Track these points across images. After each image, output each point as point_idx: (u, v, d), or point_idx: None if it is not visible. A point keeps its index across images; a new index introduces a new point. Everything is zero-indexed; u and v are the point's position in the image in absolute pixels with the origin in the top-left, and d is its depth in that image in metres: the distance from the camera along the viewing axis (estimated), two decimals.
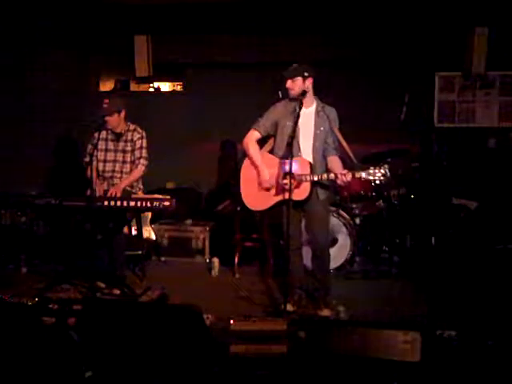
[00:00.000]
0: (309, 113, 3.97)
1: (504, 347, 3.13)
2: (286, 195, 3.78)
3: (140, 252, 4.99)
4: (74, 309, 3.52)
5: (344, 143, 4.06)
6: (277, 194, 3.98)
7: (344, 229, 5.01)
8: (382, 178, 3.68)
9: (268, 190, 4.01)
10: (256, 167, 4.06)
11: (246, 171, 4.14)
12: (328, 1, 5.65)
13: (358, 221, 5.39)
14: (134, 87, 7.29)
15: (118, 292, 4.41)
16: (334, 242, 4.87)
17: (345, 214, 5.11)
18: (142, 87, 7.25)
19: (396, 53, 6.14)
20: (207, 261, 5.56)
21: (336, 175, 3.78)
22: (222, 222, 5.97)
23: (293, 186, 3.74)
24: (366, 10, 5.72)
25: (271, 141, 4.13)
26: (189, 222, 5.83)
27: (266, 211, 4.15)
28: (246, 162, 4.14)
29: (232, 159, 6.77)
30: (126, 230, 4.64)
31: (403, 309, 4.10)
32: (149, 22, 6.18)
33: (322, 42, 6.23)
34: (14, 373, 2.83)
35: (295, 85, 3.91)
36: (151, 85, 7.30)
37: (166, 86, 7.64)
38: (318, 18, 5.91)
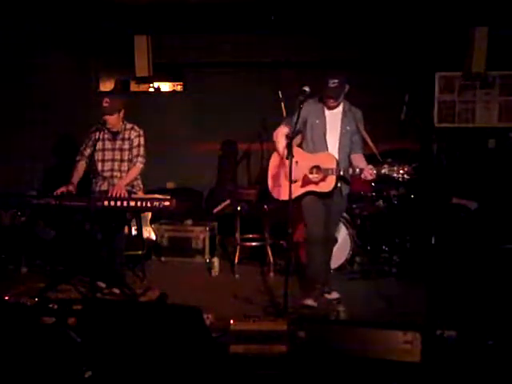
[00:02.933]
0: (336, 113, 4.16)
1: (504, 347, 3.13)
2: (311, 187, 4.10)
3: (140, 252, 4.99)
4: (74, 309, 3.52)
5: (370, 142, 4.22)
6: (303, 185, 4.16)
7: (344, 229, 5.02)
8: (405, 176, 3.83)
9: (295, 181, 4.12)
10: (282, 158, 4.22)
11: (273, 164, 4.36)
12: (328, 1, 5.65)
13: (358, 221, 5.40)
14: (133, 87, 7.29)
15: (117, 292, 4.41)
16: (336, 240, 4.87)
17: (345, 214, 5.11)
18: (142, 87, 7.25)
19: (396, 53, 6.14)
20: (207, 261, 5.56)
21: (362, 170, 3.96)
22: (222, 222, 5.98)
23: (319, 179, 4.05)
24: (367, 10, 5.71)
25: (298, 137, 4.29)
26: (189, 222, 5.83)
27: (292, 201, 4.23)
28: (274, 155, 4.36)
29: (232, 159, 6.78)
30: (126, 230, 4.65)
31: (403, 309, 4.10)
32: (149, 22, 6.18)
33: (322, 42, 6.23)
34: (13, 373, 2.83)
35: (340, 101, 4.10)
36: (151, 85, 7.30)
37: (166, 86, 7.65)
38: (318, 18, 5.91)
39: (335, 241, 4.83)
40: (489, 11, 5.65)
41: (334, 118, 4.14)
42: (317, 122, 4.14)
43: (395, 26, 5.96)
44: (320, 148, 4.13)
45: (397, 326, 3.00)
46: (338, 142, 4.13)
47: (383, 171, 3.91)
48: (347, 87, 4.08)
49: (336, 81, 4.00)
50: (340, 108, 4.16)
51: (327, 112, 4.15)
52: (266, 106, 5.88)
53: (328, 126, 4.13)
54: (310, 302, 4.18)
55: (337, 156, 4.10)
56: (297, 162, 4.14)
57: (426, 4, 5.55)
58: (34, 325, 3.15)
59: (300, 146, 4.27)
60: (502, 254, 5.05)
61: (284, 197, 4.22)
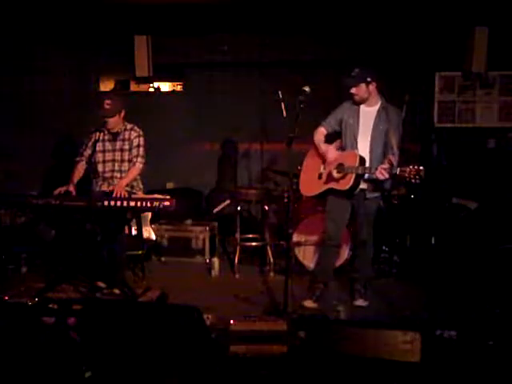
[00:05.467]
0: (371, 112, 4.13)
1: (504, 347, 3.13)
2: (332, 184, 4.13)
3: (140, 252, 4.99)
4: (74, 309, 3.52)
5: (394, 144, 4.06)
6: (326, 182, 4.19)
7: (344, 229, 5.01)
8: (417, 177, 3.71)
9: (320, 177, 4.21)
10: (322, 153, 4.26)
11: (308, 159, 4.42)
12: (328, 1, 5.65)
13: None
14: (134, 87, 7.29)
15: (117, 292, 4.41)
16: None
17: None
18: (142, 87, 7.25)
19: (396, 53, 6.14)
20: (207, 261, 5.56)
21: (376, 169, 3.91)
22: (222, 222, 5.98)
23: (340, 177, 4.06)
24: (367, 10, 5.71)
25: (338, 141, 4.32)
26: (189, 222, 5.83)
27: (314, 197, 4.45)
28: (311, 151, 4.42)
29: (232, 159, 6.78)
30: (126, 229, 4.64)
31: (403, 309, 4.10)
32: (149, 22, 6.18)
33: (322, 42, 6.23)
34: (13, 373, 2.83)
35: (359, 91, 4.07)
36: (151, 85, 7.30)
37: (165, 86, 7.65)
38: (318, 18, 5.91)
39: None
40: (489, 11, 5.64)
41: (367, 118, 4.11)
42: (350, 121, 4.14)
43: (395, 26, 5.96)
44: (351, 147, 4.13)
45: (397, 326, 3.00)
46: (369, 142, 4.09)
47: (393, 172, 3.83)
48: (369, 80, 4.03)
49: (357, 70, 4.04)
50: (376, 107, 4.12)
51: (362, 112, 4.13)
52: (265, 105, 5.88)
53: (361, 126, 4.11)
54: (309, 303, 4.20)
55: (368, 156, 4.06)
56: (325, 160, 4.22)
57: (426, 4, 5.54)
58: (34, 325, 3.15)
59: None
60: (502, 254, 5.05)
61: (307, 193, 4.38)
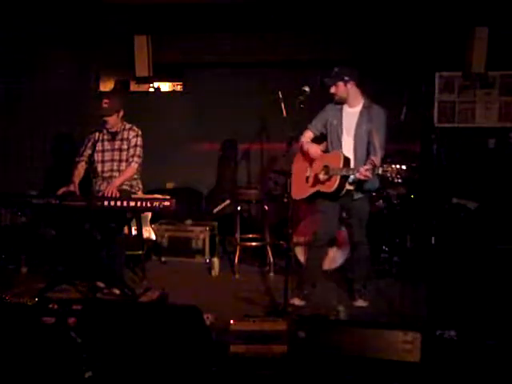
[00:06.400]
0: (353, 112, 4.12)
1: (504, 347, 3.12)
2: (318, 186, 4.11)
3: (140, 252, 4.99)
4: (74, 309, 3.51)
5: (377, 144, 4.03)
6: (312, 185, 4.18)
7: (343, 229, 5.01)
8: (398, 176, 3.68)
9: (307, 180, 4.20)
10: (306, 151, 4.24)
11: (295, 163, 4.34)
12: (328, 0, 5.65)
13: None
14: (134, 87, 7.30)
15: (117, 292, 4.41)
16: (334, 242, 4.87)
17: (344, 214, 5.10)
18: (142, 87, 7.26)
19: (396, 53, 6.14)
20: (207, 261, 5.56)
21: (358, 170, 3.89)
22: (222, 222, 5.98)
23: (325, 179, 4.05)
24: (367, 10, 5.72)
25: (324, 143, 4.32)
26: (189, 222, 5.83)
27: (303, 201, 4.44)
28: (298, 154, 4.37)
29: (232, 159, 6.78)
30: (125, 230, 4.64)
31: (403, 309, 4.10)
32: (149, 22, 6.18)
33: (322, 42, 6.23)
34: (13, 373, 2.83)
35: (338, 90, 4.10)
36: (151, 85, 7.31)
37: (165, 86, 7.65)
38: (318, 18, 5.92)
39: (333, 242, 4.77)
40: (489, 11, 5.65)
41: (350, 118, 4.11)
42: (334, 122, 4.15)
43: (395, 26, 5.96)
44: (335, 148, 4.13)
45: (397, 326, 3.00)
46: (352, 142, 4.08)
47: (377, 172, 3.79)
48: (347, 79, 4.04)
49: (336, 69, 4.08)
50: (358, 107, 4.11)
51: (345, 112, 4.13)
52: (265, 106, 5.88)
53: (344, 127, 4.11)
54: (297, 301, 4.20)
55: (352, 157, 4.05)
56: (312, 162, 4.21)
57: (426, 4, 5.55)
58: (34, 325, 3.15)
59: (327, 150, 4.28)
60: (502, 254, 5.05)
61: (296, 196, 4.32)
